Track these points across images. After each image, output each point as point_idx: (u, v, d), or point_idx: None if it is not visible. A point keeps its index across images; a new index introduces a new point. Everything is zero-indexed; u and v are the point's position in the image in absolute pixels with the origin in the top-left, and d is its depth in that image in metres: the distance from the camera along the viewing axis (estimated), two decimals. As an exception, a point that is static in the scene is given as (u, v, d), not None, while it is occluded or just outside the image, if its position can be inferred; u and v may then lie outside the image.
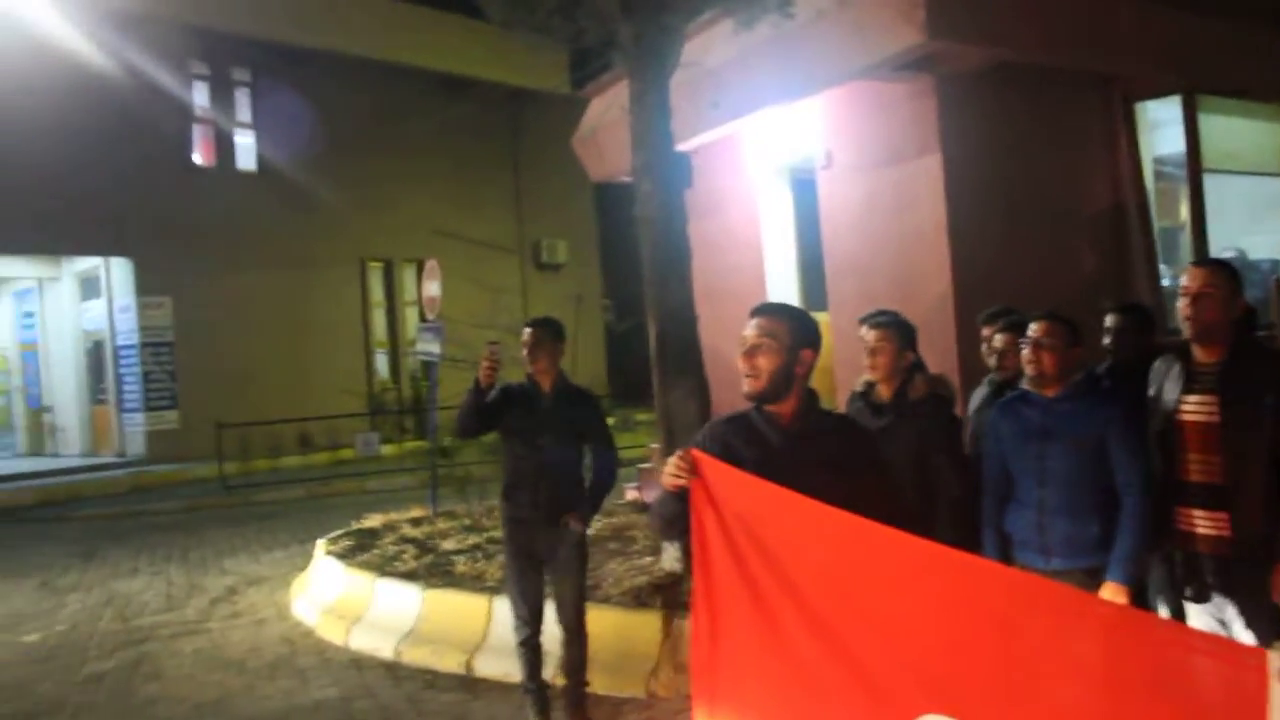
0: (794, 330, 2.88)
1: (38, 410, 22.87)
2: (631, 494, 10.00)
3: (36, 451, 22.34)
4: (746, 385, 2.88)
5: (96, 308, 21.31)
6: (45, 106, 17.77)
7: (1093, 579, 3.66)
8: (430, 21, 23.08)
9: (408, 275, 23.62)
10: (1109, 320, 4.73)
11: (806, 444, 2.85)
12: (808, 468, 2.72)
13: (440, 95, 23.73)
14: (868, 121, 8.94)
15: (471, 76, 23.80)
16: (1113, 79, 9.12)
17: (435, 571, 7.52)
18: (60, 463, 20.23)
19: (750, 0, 7.53)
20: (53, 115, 17.87)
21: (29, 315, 23.17)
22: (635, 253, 7.53)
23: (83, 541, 12.51)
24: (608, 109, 11.12)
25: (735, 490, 2.69)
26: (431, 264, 11.44)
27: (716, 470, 2.74)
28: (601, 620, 5.61)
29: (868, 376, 4.38)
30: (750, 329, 2.89)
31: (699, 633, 2.81)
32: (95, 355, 21.61)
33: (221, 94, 21.67)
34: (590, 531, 5.77)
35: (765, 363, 2.84)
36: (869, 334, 4.31)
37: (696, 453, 2.80)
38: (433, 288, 11.34)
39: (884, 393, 4.29)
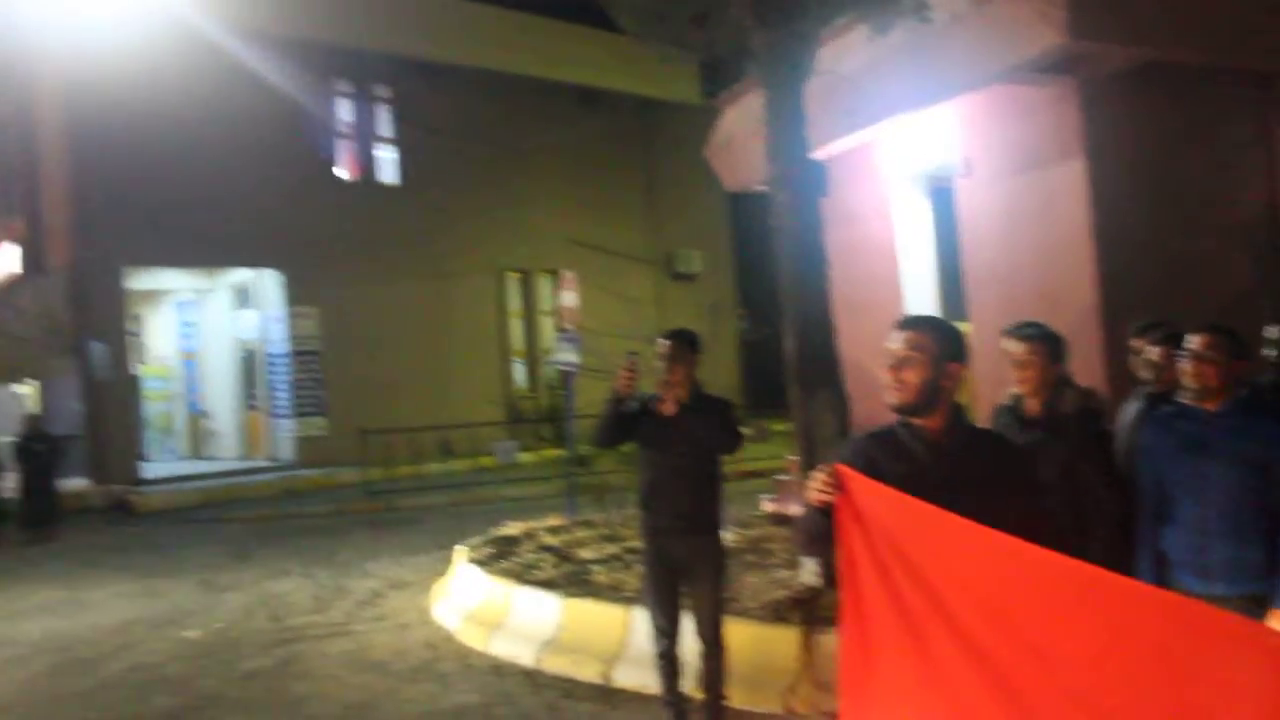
0: (941, 343, 2.83)
1: (196, 415, 24.01)
2: (769, 506, 9.94)
3: (195, 455, 23.44)
4: (892, 398, 2.83)
5: (250, 318, 22.28)
6: (200, 129, 18.69)
7: (1258, 606, 3.46)
8: (563, 34, 23.48)
9: (544, 285, 23.99)
10: (1272, 332, 4.51)
11: (955, 460, 2.79)
12: (957, 484, 2.67)
13: (573, 106, 24.14)
14: (1008, 126, 8.71)
15: (604, 88, 24.12)
16: (1271, 77, 8.67)
17: (574, 580, 7.60)
18: (217, 465, 21.19)
19: (885, 5, 7.42)
20: (207, 137, 18.80)
21: (189, 325, 24.36)
22: (770, 261, 7.50)
23: (238, 542, 13.10)
24: (741, 118, 11.10)
25: (883, 507, 2.65)
26: (568, 275, 11.63)
27: (863, 486, 2.70)
28: (739, 634, 5.58)
29: (1015, 390, 4.26)
30: (896, 341, 2.84)
31: (849, 652, 2.76)
32: (248, 363, 22.58)
33: (364, 110, 22.47)
34: (728, 540, 5.75)
35: (912, 376, 2.79)
36: (1016, 346, 4.19)
37: (842, 468, 2.77)
38: (569, 298, 11.53)
39: (1033, 407, 4.16)
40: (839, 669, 2.80)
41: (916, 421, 2.85)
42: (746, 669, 5.61)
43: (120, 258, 19.05)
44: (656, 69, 20.05)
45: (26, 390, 21.83)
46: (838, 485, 2.73)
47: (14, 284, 20.02)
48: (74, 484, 17.16)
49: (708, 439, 5.03)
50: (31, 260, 19.92)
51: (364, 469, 17.50)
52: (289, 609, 9.09)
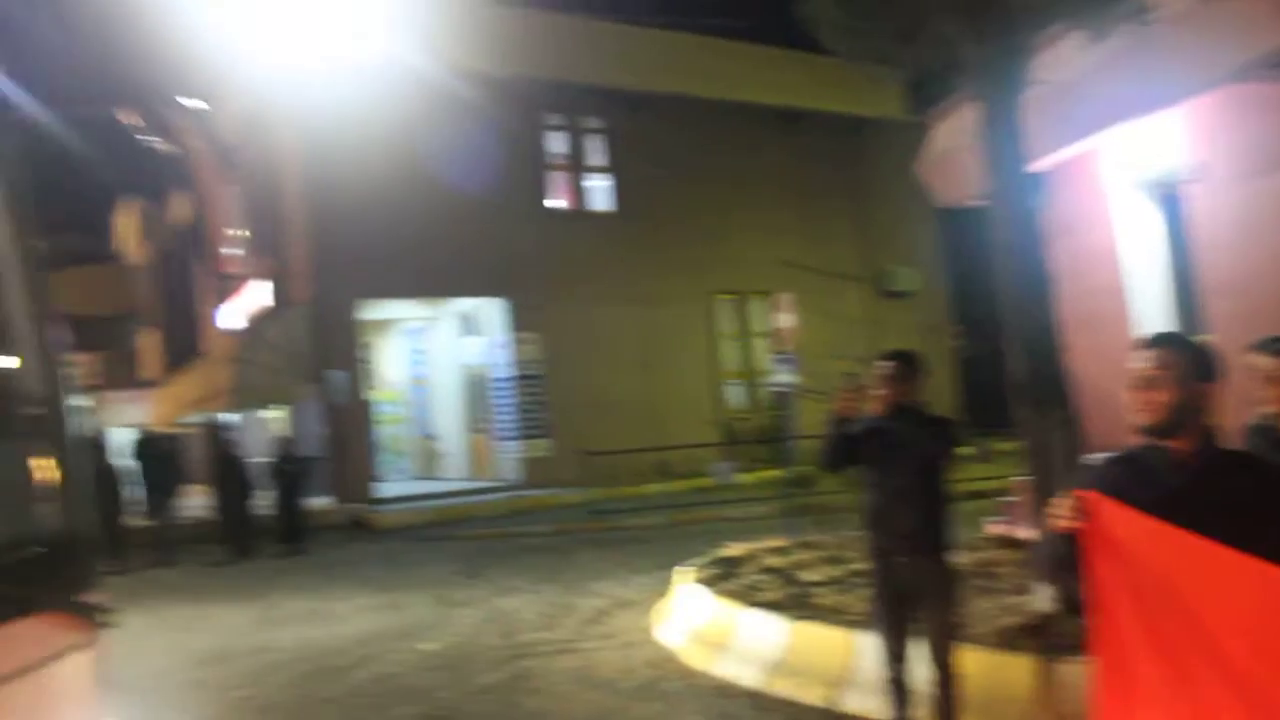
0: (1191, 362, 2.71)
1: (426, 438, 25.25)
2: (995, 528, 9.64)
3: (426, 475, 24.62)
4: (1139, 419, 2.74)
5: (475, 344, 23.27)
6: (422, 167, 19.63)
7: None
8: (768, 58, 23.61)
9: (757, 307, 24.03)
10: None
11: (1209, 484, 2.66)
12: (1212, 511, 2.54)
13: (780, 128, 24.19)
14: (1243, 127, 8.19)
15: (809, 108, 24.04)
16: None
17: (798, 602, 7.57)
18: (445, 486, 22.17)
19: (1102, 11, 7.13)
20: (429, 174, 19.73)
21: (418, 352, 25.69)
22: (987, 276, 7.30)
23: (466, 559, 13.67)
24: (953, 132, 10.86)
25: (1136, 534, 2.54)
26: (784, 298, 11.66)
27: (1113, 513, 2.59)
28: (970, 661, 5.43)
29: (1265, 408, 4.02)
30: (1143, 360, 2.73)
31: (1104, 682, 2.64)
32: (474, 387, 23.54)
33: (576, 141, 23.18)
34: (957, 563, 5.63)
35: (1161, 396, 2.68)
36: (1267, 362, 3.96)
37: (1088, 494, 2.68)
38: (786, 320, 11.56)
39: (1289, 426, 3.92)
40: (1092, 698, 2.70)
41: (1165, 444, 2.74)
42: (980, 697, 5.44)
43: (353, 291, 20.32)
44: (861, 87, 19.87)
45: (275, 415, 23.52)
46: (1084, 512, 2.65)
47: (266, 317, 21.63)
48: (318, 502, 18.32)
49: (929, 449, 4.95)
50: (277, 295, 21.50)
51: (586, 489, 17.95)
52: (519, 625, 9.41)
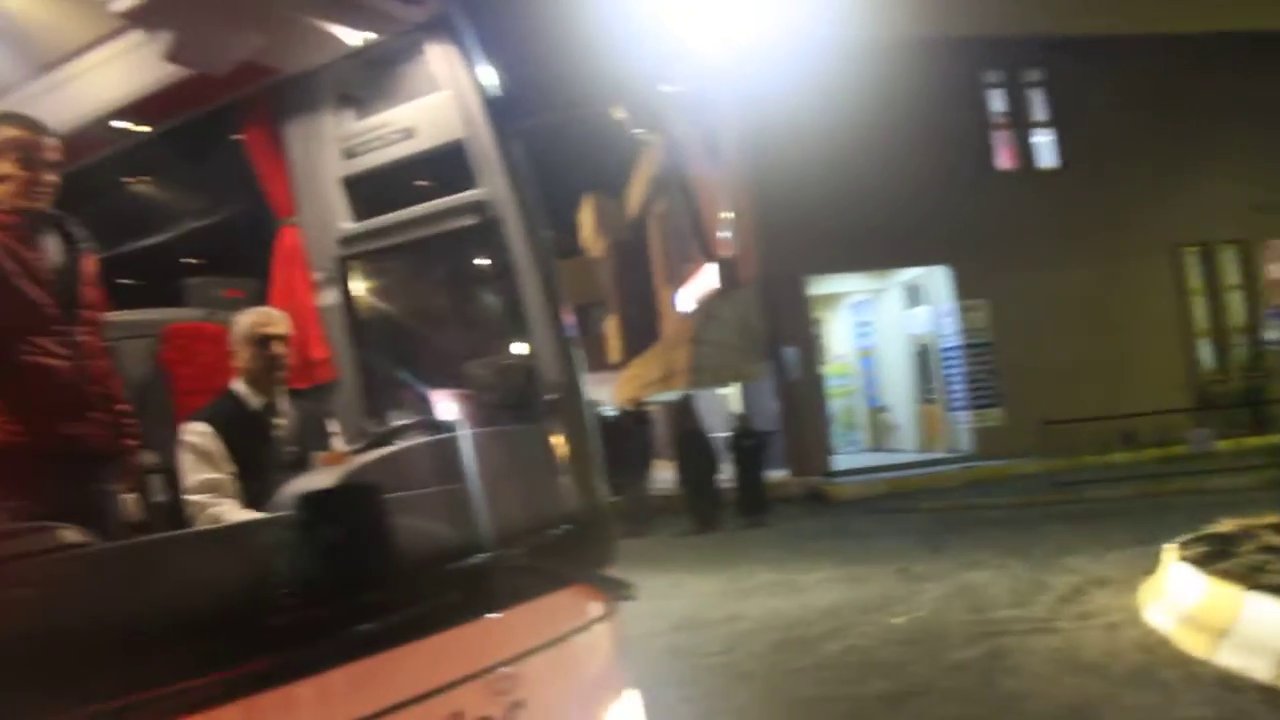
0: None
1: (875, 410, 25.29)
2: None
3: (877, 447, 24.70)
4: None
5: (921, 314, 22.95)
6: (861, 137, 19.65)
7: None
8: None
9: (1226, 257, 21.70)
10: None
11: None
12: None
13: (1247, 55, 21.28)
14: None
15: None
16: None
17: (1311, 588, 6.76)
18: (897, 458, 22.15)
19: None
20: (868, 144, 19.72)
21: (864, 324, 25.77)
22: None
23: (925, 532, 13.53)
24: None
25: None
26: (1274, 245, 10.40)
27: None
28: None
29: None
30: None
31: None
32: (922, 358, 23.27)
33: (1016, 97, 22.23)
34: None
35: None
36: None
37: None
38: (1276, 270, 10.30)
39: None
40: None
41: None
42: None
43: (802, 267, 20.76)
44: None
45: (728, 392, 24.59)
46: None
47: (714, 298, 22.66)
48: (774, 475, 18.92)
49: None
50: (727, 275, 22.42)
51: (1044, 459, 17.13)
52: (988, 601, 9.14)
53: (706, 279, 23.66)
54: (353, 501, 2.39)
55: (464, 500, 2.69)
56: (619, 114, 3.64)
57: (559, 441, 3.33)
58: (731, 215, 3.89)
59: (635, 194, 31.57)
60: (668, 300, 28.73)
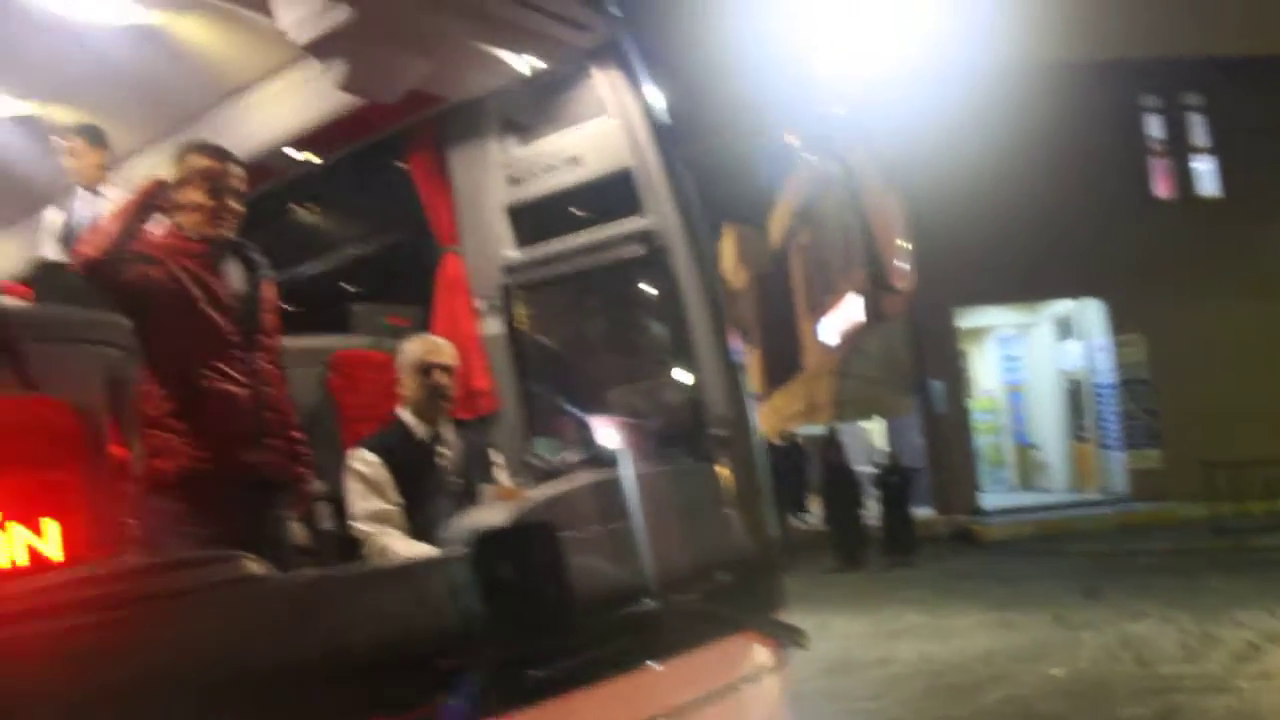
0: None
1: (1024, 447, 24.47)
2: None
3: (1026, 486, 23.89)
4: None
5: (1072, 348, 22.14)
6: (1010, 166, 19.06)
7: None
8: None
9: None
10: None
11: None
12: None
13: None
14: None
15: None
16: None
17: None
18: (1047, 498, 21.40)
19: None
20: (1017, 173, 19.11)
21: (1012, 359, 25.00)
22: None
23: (1082, 577, 12.97)
24: None
25: None
26: None
27: None
28: None
29: None
30: None
31: None
32: (1074, 394, 22.50)
33: (1174, 122, 21.35)
34: None
35: None
36: None
37: None
38: None
39: None
40: None
41: None
42: None
43: (949, 299, 20.24)
44: None
45: (871, 426, 24.08)
46: None
47: (859, 331, 22.25)
48: (920, 513, 18.41)
49: None
50: (872, 308, 22.01)
51: (1207, 504, 16.20)
52: (1155, 655, 8.74)
53: (851, 311, 23.27)
54: (530, 542, 2.31)
55: (636, 540, 2.61)
56: (791, 139, 3.55)
57: (728, 478, 3.22)
58: (909, 245, 3.72)
59: (778, 224, 31.30)
60: (810, 332, 28.36)
